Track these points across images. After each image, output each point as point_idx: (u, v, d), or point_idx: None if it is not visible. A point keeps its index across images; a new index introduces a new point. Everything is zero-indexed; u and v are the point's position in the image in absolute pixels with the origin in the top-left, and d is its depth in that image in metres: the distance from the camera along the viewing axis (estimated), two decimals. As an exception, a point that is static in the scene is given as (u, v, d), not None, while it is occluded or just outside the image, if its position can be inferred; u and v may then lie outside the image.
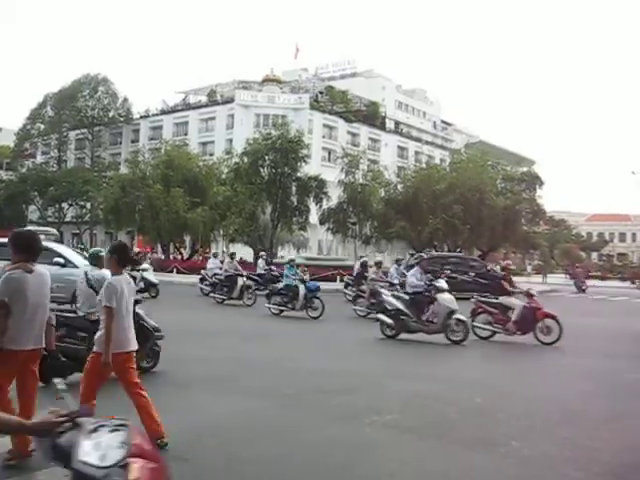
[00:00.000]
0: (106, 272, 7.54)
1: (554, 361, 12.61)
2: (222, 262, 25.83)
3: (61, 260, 17.04)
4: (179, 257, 44.56)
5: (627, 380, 10.36)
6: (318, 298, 19.36)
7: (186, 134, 70.88)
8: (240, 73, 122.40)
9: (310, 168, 45.22)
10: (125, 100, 78.78)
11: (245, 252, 44.19)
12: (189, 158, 44.40)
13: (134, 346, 6.06)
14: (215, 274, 24.29)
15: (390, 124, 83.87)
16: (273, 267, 27.89)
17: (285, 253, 43.59)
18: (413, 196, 41.88)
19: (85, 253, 26.18)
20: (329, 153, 67.94)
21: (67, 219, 73.21)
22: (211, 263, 26.33)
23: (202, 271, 26.75)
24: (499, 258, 50.72)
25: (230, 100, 72.28)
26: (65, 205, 72.22)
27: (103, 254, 8.92)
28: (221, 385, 9.02)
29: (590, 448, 6.25)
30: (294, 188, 42.71)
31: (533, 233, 49.51)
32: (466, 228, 39.73)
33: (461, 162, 46.46)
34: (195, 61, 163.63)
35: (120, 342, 5.87)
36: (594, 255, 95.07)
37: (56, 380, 2.84)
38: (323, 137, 72.17)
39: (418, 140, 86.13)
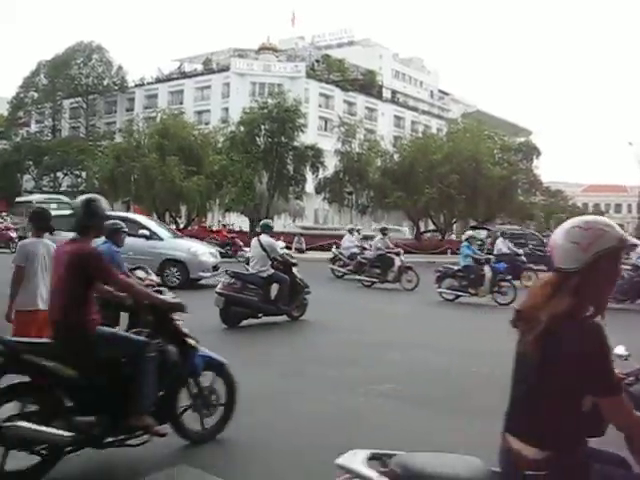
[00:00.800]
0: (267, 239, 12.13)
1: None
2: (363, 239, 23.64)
3: (146, 232, 17.14)
4: (174, 227, 44.45)
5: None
6: (507, 281, 16.33)
7: (181, 103, 70.24)
8: (236, 41, 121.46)
9: (306, 137, 45.00)
10: (120, 68, 78.02)
11: (241, 221, 44.24)
12: (184, 127, 44.02)
13: (37, 306, 6.13)
14: (354, 253, 21.47)
15: (387, 93, 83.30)
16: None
17: (281, 222, 43.49)
18: (409, 166, 41.75)
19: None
20: (325, 122, 67.55)
21: (62, 188, 72.87)
22: (347, 241, 22.99)
23: (334, 250, 23.66)
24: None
25: (226, 68, 71.59)
26: (60, 174, 71.90)
27: (272, 224, 13.42)
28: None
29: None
30: (290, 157, 42.59)
31: (529, 204, 49.41)
32: (462, 198, 39.67)
33: (458, 132, 46.22)
34: (191, 29, 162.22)
35: (24, 301, 6.15)
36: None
37: None
38: (320, 106, 71.66)
39: (415, 110, 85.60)
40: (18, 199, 43.62)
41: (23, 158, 71.36)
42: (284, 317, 12.19)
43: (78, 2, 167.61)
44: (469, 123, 48.64)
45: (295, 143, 42.02)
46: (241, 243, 28.47)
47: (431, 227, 47.27)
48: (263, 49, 74.66)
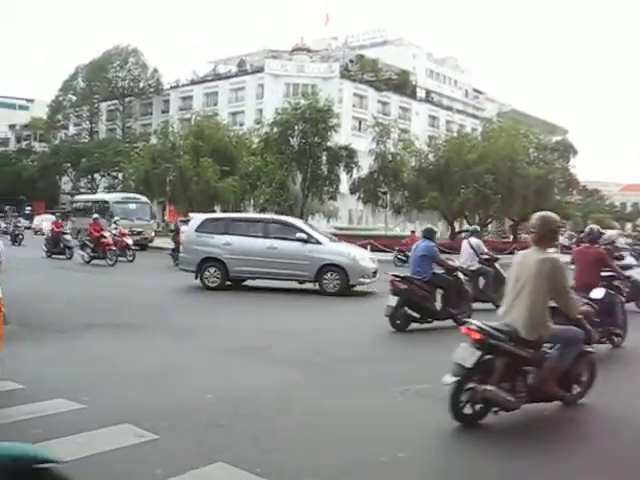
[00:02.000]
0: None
1: None
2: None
3: (304, 236, 16.72)
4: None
5: None
6: None
7: (216, 104, 70.76)
8: (270, 42, 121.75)
9: (340, 137, 45.00)
10: (155, 71, 78.97)
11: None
12: (219, 128, 44.35)
13: None
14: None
15: (421, 93, 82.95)
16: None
17: (315, 223, 43.56)
18: (444, 165, 41.50)
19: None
20: (359, 122, 67.51)
21: (100, 190, 73.99)
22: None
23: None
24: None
25: (260, 70, 71.97)
26: (97, 176, 73.00)
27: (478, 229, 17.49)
28: (253, 354, 9.11)
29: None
30: (324, 158, 42.59)
31: (566, 203, 48.83)
32: (497, 198, 39.30)
33: (493, 131, 45.81)
34: (225, 31, 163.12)
35: None
36: (628, 226, 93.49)
37: None
38: (353, 106, 71.63)
39: (449, 109, 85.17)
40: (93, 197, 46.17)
41: (62, 160, 72.65)
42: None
43: (115, 6, 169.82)
44: (504, 122, 48.17)
45: (329, 143, 42.01)
46: None
47: (466, 227, 46.90)
48: (297, 50, 74.83)
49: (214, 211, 46.64)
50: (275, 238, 16.86)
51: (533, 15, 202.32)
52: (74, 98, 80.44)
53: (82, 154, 70.57)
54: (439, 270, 11.97)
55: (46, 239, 27.45)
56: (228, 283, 17.15)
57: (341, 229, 43.16)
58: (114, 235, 25.06)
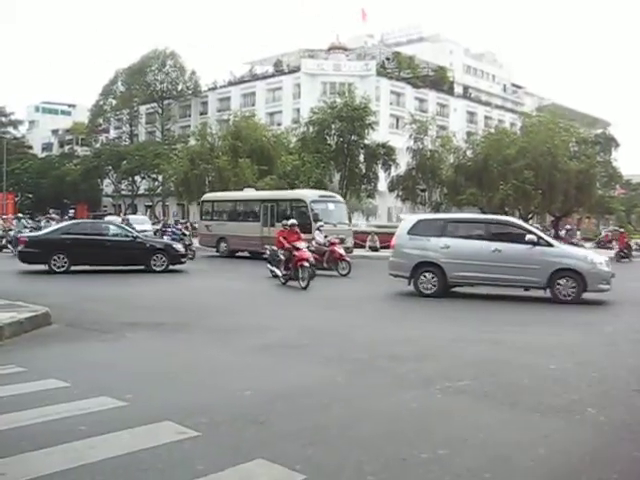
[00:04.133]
0: None
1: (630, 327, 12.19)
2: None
3: (533, 238, 15.38)
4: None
5: None
6: None
7: (253, 105, 71.19)
8: (306, 42, 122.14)
9: (378, 135, 44.93)
10: (193, 73, 79.72)
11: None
12: (256, 128, 44.63)
13: None
14: None
15: (458, 89, 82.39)
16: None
17: (354, 221, 43.55)
18: (483, 161, 41.06)
19: (158, 224, 26.95)
20: (397, 120, 67.31)
21: (140, 192, 75.04)
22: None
23: None
24: (572, 223, 49.49)
25: (296, 69, 72.18)
26: (138, 178, 74.00)
27: None
28: (292, 351, 9.17)
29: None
30: (362, 156, 42.58)
31: (608, 197, 47.99)
32: (538, 193, 38.79)
33: (532, 125, 45.20)
34: (261, 31, 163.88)
35: None
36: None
37: None
38: (391, 104, 71.46)
39: (487, 104, 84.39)
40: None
41: (103, 163, 73.81)
42: None
43: (152, 10, 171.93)
44: (544, 116, 47.49)
45: (366, 141, 41.98)
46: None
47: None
48: (333, 49, 74.83)
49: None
50: (499, 240, 15.61)
51: (574, 6, 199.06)
52: (114, 102, 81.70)
53: (123, 157, 71.58)
54: None
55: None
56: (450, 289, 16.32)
57: (380, 227, 43.15)
58: (322, 244, 21.81)
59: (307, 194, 29.56)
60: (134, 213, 62.50)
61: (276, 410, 6.00)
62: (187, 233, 30.21)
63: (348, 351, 9.04)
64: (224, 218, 32.58)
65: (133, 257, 21.76)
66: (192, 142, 50.48)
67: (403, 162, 43.40)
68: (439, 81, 78.52)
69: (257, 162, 40.71)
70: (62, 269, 20.41)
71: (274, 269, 19.01)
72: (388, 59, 77.33)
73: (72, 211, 68.45)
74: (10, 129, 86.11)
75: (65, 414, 5.64)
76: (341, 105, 41.16)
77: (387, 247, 31.26)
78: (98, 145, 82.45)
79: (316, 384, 7.14)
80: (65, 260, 20.58)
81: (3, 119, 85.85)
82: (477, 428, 5.61)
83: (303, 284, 17.15)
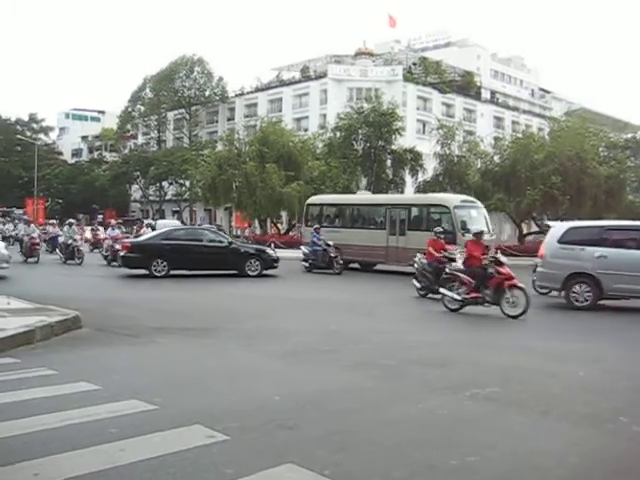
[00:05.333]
0: None
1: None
2: None
3: None
4: (276, 232, 45.43)
5: None
6: None
7: (280, 110, 71.36)
8: (332, 47, 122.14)
9: (405, 140, 44.87)
10: (220, 79, 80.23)
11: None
12: (283, 134, 44.80)
13: None
14: None
15: (486, 94, 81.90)
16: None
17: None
18: (510, 167, 40.78)
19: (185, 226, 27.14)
20: (424, 125, 67.06)
21: (168, 197, 75.69)
22: None
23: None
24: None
25: (323, 75, 72.25)
26: (165, 184, 74.67)
27: None
28: (320, 357, 9.17)
29: None
30: (389, 161, 42.53)
31: (639, 203, 47.32)
32: (566, 199, 38.42)
33: (560, 130, 44.81)
34: (288, 37, 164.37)
35: None
36: None
37: None
38: (417, 109, 71.24)
39: (515, 109, 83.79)
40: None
41: (131, 169, 74.63)
42: None
43: (180, 17, 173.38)
44: (572, 121, 47.04)
45: (393, 146, 41.92)
46: None
47: (534, 229, 46.03)
48: (359, 54, 74.83)
49: (280, 216, 47.13)
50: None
51: (604, 9, 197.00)
52: (142, 108, 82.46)
53: (151, 163, 72.24)
54: None
55: None
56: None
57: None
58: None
59: (449, 198, 26.65)
60: (162, 218, 63.01)
61: (305, 415, 6.02)
62: None
63: (378, 357, 9.03)
64: (336, 224, 28.47)
65: (228, 262, 22.24)
66: (219, 148, 50.75)
67: (430, 167, 43.27)
68: (466, 86, 78.14)
69: (284, 168, 40.87)
70: (162, 273, 20.99)
71: (444, 291, 14.16)
72: (415, 64, 77.14)
73: (101, 216, 69.01)
74: (41, 135, 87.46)
75: (96, 417, 5.69)
76: (368, 110, 41.20)
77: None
78: (126, 151, 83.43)
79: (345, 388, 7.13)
80: (164, 265, 21.09)
81: (35, 126, 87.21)
82: (506, 435, 5.58)
83: (514, 312, 12.88)
